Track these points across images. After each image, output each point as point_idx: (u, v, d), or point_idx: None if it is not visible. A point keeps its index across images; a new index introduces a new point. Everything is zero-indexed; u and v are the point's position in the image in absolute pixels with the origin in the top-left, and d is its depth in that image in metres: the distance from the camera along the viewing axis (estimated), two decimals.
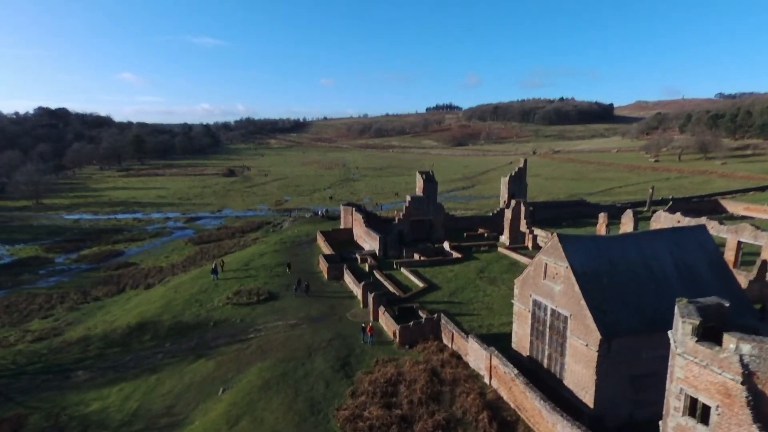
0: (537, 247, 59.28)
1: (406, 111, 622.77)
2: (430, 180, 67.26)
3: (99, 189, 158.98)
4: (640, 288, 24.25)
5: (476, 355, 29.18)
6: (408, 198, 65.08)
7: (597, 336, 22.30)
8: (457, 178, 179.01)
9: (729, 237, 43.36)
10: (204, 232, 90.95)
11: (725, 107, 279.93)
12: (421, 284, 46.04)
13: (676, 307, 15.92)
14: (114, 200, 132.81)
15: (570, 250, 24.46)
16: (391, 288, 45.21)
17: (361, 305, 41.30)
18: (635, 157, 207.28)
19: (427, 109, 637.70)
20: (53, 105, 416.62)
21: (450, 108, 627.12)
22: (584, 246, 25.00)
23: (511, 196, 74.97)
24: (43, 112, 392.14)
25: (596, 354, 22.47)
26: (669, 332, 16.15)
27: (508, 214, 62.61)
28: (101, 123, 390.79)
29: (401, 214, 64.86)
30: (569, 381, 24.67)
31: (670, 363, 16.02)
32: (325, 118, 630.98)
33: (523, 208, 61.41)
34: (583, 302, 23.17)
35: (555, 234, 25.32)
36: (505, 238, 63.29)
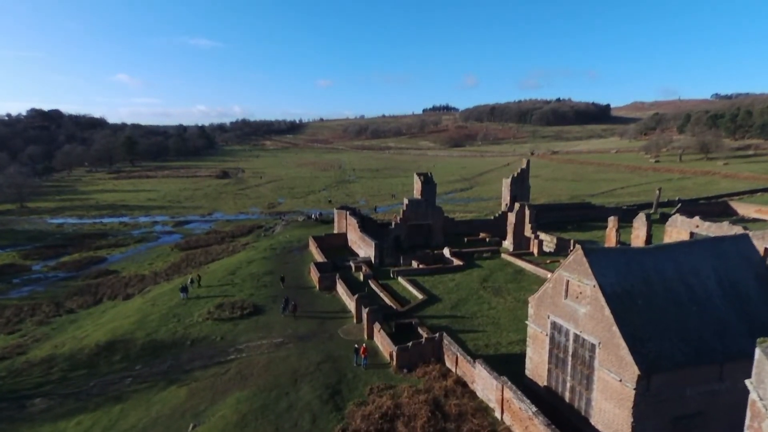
0: (543, 253, 55.71)
1: (402, 112, 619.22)
2: (428, 182, 63.65)
3: (87, 192, 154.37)
4: (681, 311, 20.55)
5: (485, 384, 25.42)
6: (405, 201, 61.39)
7: (634, 370, 18.58)
8: (455, 179, 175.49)
9: (755, 243, 39.80)
10: (192, 237, 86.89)
11: (722, 107, 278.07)
12: (420, 296, 42.29)
13: (757, 351, 12.21)
14: (101, 203, 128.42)
15: (597, 266, 20.76)
16: (387, 300, 41.44)
17: (355, 320, 37.49)
18: (635, 157, 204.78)
19: (424, 111, 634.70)
20: (48, 107, 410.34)
21: (447, 109, 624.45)
22: (613, 260, 21.29)
23: (513, 199, 71.40)
24: (35, 114, 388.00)
25: (633, 392, 18.76)
26: (748, 382, 12.43)
27: (511, 218, 58.95)
28: (95, 124, 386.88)
29: (398, 218, 61.21)
30: (598, 420, 20.94)
31: (750, 423, 12.31)
32: (321, 120, 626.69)
33: (527, 212, 57.77)
34: (615, 328, 19.46)
35: (579, 247, 21.60)
36: (508, 244, 59.63)
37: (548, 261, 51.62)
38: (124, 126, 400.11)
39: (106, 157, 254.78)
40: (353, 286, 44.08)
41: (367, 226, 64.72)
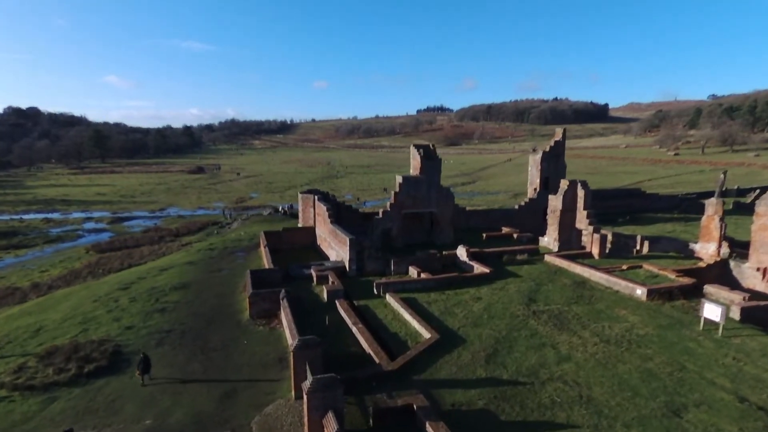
0: (606, 256, 37.01)
1: (396, 113, 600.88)
2: (429, 157, 44.83)
3: (32, 187, 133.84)
4: None
5: None
6: (399, 180, 42.43)
7: None
8: (455, 174, 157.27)
9: None
10: (122, 236, 67.24)
11: (730, 104, 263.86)
12: (425, 332, 23.31)
13: None
14: (38, 198, 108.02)
15: None
16: (364, 342, 22.40)
17: (293, 393, 18.31)
18: (649, 151, 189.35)
19: (418, 111, 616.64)
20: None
21: (441, 110, 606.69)
22: None
23: (544, 181, 52.92)
24: (11, 111, 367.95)
25: None
26: None
27: (554, 202, 40.15)
28: (73, 122, 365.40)
29: (389, 205, 42.27)
30: None
31: None
32: (313, 120, 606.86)
33: (581, 193, 39.00)
34: None
35: None
36: (550, 241, 40.80)
37: (625, 267, 32.79)
38: (106, 124, 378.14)
39: (75, 153, 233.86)
40: (309, 313, 25.10)
41: (346, 217, 45.81)
